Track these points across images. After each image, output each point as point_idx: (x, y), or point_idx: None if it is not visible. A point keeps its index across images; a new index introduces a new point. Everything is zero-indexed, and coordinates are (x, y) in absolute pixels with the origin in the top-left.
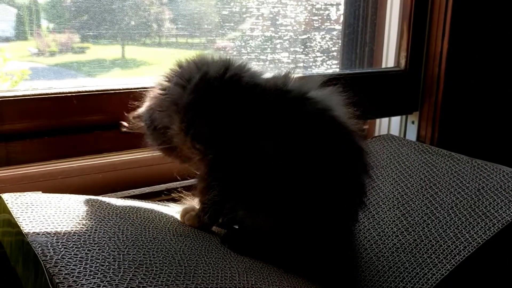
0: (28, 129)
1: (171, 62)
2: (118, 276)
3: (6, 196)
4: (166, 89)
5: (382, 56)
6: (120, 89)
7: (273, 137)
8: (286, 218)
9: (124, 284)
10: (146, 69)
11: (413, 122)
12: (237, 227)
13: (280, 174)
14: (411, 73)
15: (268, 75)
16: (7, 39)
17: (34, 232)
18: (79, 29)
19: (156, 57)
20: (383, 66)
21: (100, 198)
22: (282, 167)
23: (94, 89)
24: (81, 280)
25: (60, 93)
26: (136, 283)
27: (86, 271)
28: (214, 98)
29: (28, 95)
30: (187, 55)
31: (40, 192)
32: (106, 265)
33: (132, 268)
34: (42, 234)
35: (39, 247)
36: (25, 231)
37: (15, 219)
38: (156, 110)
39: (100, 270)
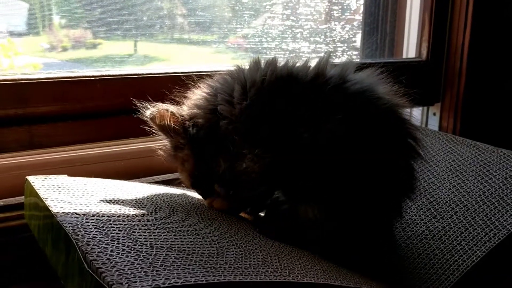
0: (52, 113)
1: (185, 56)
2: (151, 255)
3: (32, 179)
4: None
5: (403, 46)
6: (144, 74)
7: (332, 129)
8: (335, 206)
9: (158, 262)
10: (158, 65)
11: (434, 114)
12: (262, 214)
13: (336, 165)
14: (432, 64)
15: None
16: (19, 34)
17: (63, 213)
18: (91, 24)
19: (169, 52)
20: (404, 56)
21: (125, 182)
22: (340, 158)
23: (118, 73)
24: (114, 258)
25: (84, 76)
26: (170, 262)
27: (119, 250)
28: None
29: (52, 78)
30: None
31: (66, 175)
32: (138, 245)
33: (164, 248)
34: (72, 215)
35: (69, 226)
36: (54, 211)
37: (43, 200)
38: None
39: (133, 249)
